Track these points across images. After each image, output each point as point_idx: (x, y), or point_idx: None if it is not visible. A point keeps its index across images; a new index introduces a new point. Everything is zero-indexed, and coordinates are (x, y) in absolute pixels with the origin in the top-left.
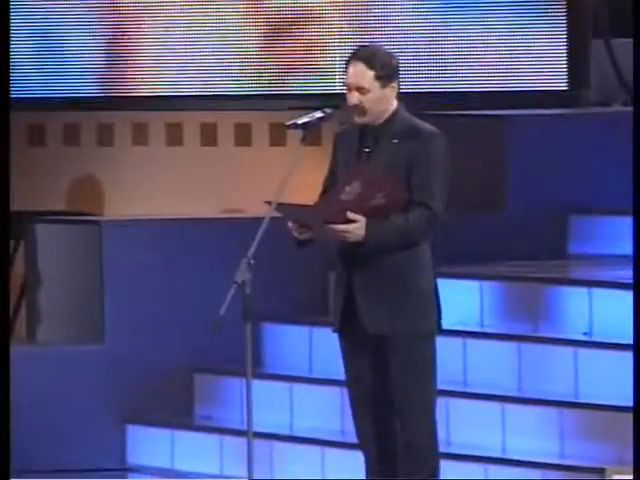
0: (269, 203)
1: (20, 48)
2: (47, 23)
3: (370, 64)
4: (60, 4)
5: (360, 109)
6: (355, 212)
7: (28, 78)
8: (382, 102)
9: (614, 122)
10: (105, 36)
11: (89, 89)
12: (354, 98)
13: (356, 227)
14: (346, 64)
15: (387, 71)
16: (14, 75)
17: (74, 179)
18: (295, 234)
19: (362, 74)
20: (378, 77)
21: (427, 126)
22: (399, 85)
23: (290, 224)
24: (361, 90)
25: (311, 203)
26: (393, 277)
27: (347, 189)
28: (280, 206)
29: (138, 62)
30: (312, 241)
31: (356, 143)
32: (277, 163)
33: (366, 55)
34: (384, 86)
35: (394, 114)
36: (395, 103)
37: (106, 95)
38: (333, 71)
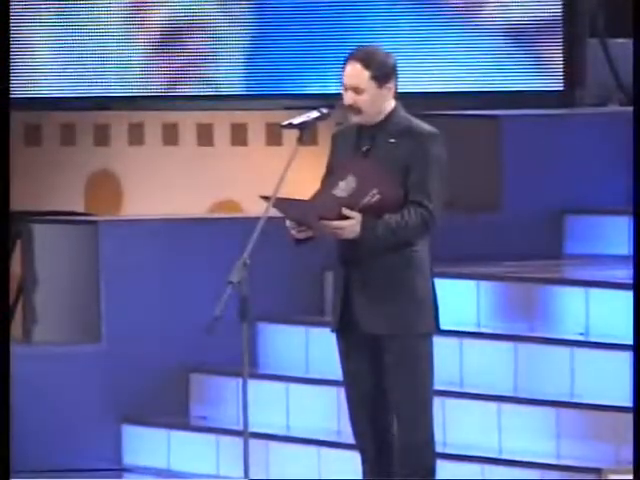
0: (266, 198)
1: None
2: None
3: (366, 64)
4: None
5: (354, 109)
6: (350, 208)
7: (23, 78)
8: (378, 102)
9: (610, 122)
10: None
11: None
12: (349, 98)
13: (351, 224)
14: (343, 64)
15: (384, 71)
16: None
17: (71, 179)
18: (293, 232)
19: (358, 74)
20: (374, 77)
21: (425, 126)
22: (397, 85)
23: (288, 223)
24: (356, 90)
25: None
26: (391, 277)
27: (341, 184)
28: (278, 200)
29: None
30: (311, 239)
31: (353, 142)
32: (273, 163)
33: (363, 55)
34: (380, 86)
35: (391, 114)
36: (393, 103)
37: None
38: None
